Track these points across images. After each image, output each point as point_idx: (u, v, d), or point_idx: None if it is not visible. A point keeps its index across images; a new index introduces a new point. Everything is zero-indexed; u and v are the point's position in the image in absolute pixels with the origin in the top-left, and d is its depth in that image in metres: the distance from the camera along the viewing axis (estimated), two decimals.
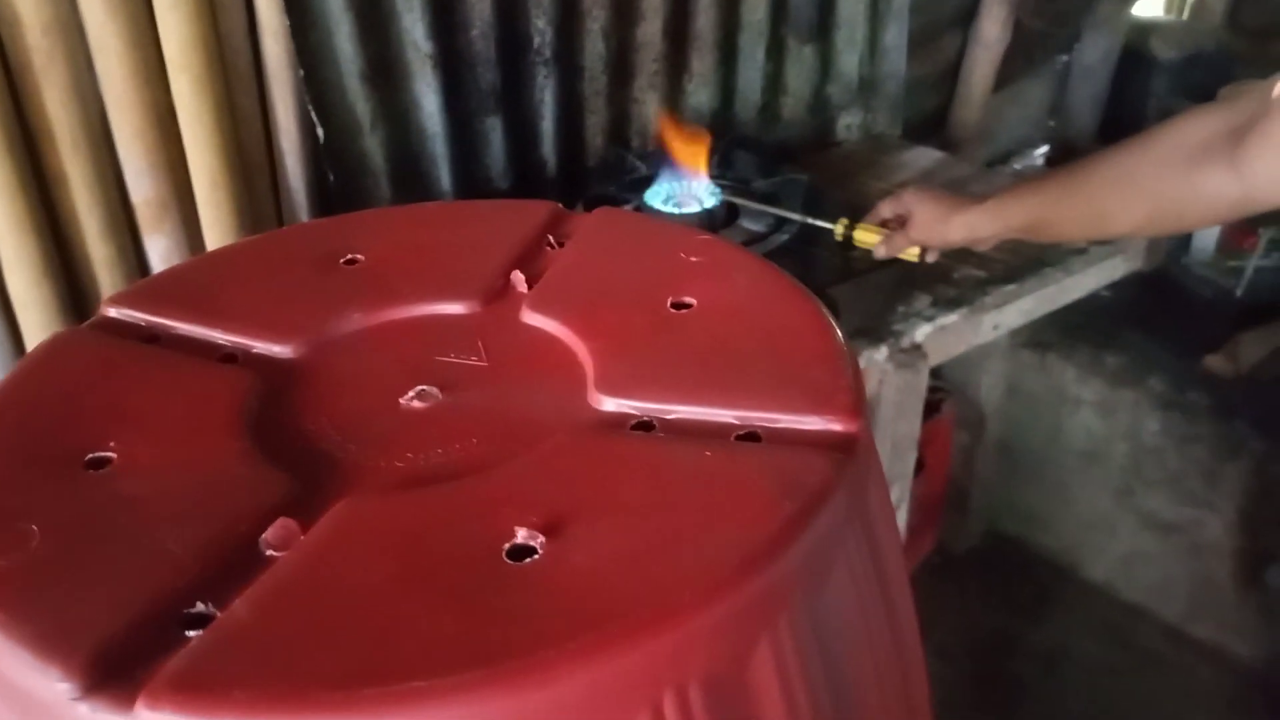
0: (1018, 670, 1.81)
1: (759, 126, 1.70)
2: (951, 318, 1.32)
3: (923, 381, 1.36)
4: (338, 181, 1.25)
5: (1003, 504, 2.04)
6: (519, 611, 0.30)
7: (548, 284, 0.48)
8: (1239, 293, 1.93)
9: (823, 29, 1.71)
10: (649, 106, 1.55)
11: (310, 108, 1.20)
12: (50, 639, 0.29)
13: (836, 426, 0.36)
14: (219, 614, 0.30)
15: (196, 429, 0.38)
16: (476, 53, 1.33)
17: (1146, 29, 2.35)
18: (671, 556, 0.32)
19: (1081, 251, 1.46)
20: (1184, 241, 2.00)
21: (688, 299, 0.45)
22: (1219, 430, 1.73)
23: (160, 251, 1.18)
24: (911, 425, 1.37)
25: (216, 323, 0.44)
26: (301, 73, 1.18)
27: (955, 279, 1.38)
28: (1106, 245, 1.49)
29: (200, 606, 0.30)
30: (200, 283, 0.50)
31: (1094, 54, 2.27)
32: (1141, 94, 2.26)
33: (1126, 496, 1.88)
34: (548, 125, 1.43)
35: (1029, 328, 1.78)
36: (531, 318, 0.46)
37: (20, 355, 1.14)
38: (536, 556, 0.32)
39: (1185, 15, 2.54)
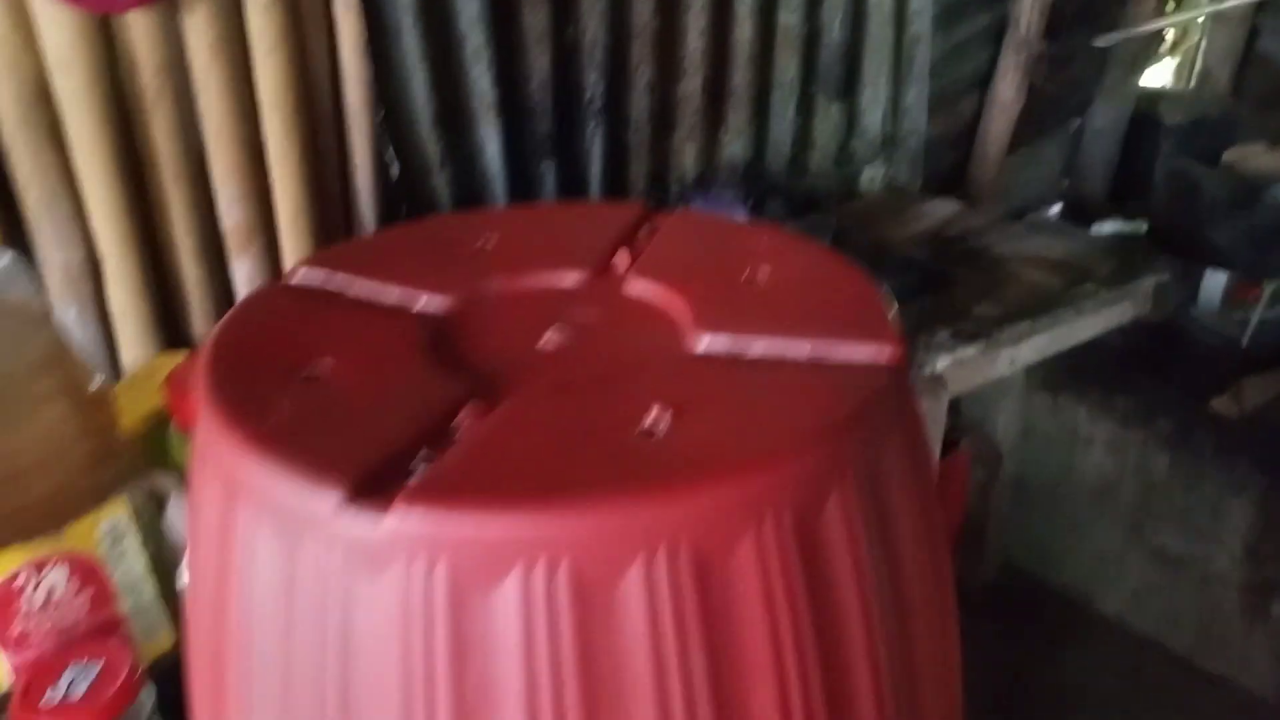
0: (1032, 704, 1.84)
1: (788, 177, 1.80)
2: (970, 351, 1.41)
3: (943, 410, 1.44)
4: (409, 215, 1.36)
5: (1017, 539, 2.08)
6: (659, 459, 0.41)
7: (646, 260, 0.59)
8: (1244, 343, 1.99)
9: (849, 88, 1.83)
10: (687, 156, 1.66)
11: (391, 147, 1.31)
12: (319, 466, 0.40)
13: (886, 350, 0.48)
14: (438, 456, 0.41)
15: (385, 355, 0.49)
16: (535, 103, 1.44)
17: (1155, 96, 2.44)
18: (768, 428, 0.43)
19: (1091, 294, 1.55)
20: (1192, 293, 2.06)
21: (763, 268, 0.57)
22: (1224, 468, 1.78)
23: (244, 273, 1.27)
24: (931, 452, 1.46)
25: (383, 283, 0.56)
26: (382, 113, 1.29)
27: (974, 315, 1.46)
28: (1114, 290, 1.58)
29: (425, 451, 0.41)
30: (366, 255, 0.62)
31: (1105, 118, 2.36)
32: (1150, 156, 2.32)
33: (1136, 532, 1.92)
34: (596, 170, 1.54)
35: (1043, 370, 1.84)
36: (636, 284, 0.57)
37: (115, 364, 1.23)
38: (664, 431, 0.43)
39: (1192, 84, 2.64)
